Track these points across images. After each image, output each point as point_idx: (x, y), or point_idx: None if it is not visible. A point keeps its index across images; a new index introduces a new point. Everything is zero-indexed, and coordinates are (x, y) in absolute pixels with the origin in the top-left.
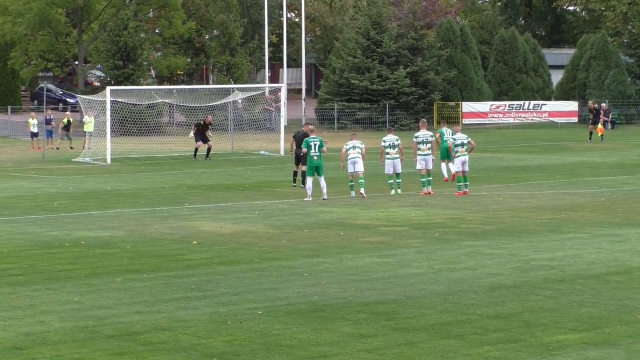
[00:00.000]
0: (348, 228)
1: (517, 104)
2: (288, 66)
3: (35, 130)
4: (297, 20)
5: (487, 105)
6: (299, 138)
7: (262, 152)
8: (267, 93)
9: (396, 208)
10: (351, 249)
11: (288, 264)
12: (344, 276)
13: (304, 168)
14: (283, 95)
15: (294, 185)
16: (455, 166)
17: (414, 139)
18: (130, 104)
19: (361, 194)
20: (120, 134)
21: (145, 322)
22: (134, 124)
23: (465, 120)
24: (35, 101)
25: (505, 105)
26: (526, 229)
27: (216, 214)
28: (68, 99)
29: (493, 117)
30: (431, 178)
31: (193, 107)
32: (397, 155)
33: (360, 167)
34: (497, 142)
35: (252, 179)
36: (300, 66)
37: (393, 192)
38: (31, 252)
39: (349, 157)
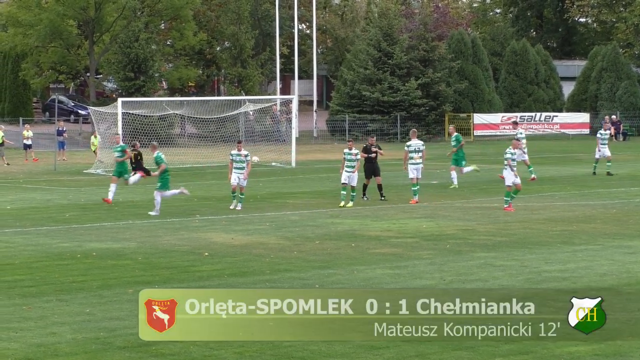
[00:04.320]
0: (359, 239)
1: (528, 116)
2: (299, 78)
3: (29, 142)
4: (308, 32)
5: (499, 116)
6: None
7: (273, 163)
8: (278, 104)
9: (407, 219)
10: (362, 260)
11: (299, 275)
12: (356, 288)
13: (366, 181)
14: (294, 106)
15: (365, 198)
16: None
17: (406, 148)
18: (142, 115)
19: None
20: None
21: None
22: (145, 135)
23: (477, 132)
24: (47, 113)
25: (516, 116)
26: (538, 240)
27: (227, 226)
28: (80, 111)
29: (504, 128)
30: (418, 187)
31: (204, 118)
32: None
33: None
34: None
35: (263, 190)
36: (312, 78)
37: (343, 203)
38: (43, 264)
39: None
